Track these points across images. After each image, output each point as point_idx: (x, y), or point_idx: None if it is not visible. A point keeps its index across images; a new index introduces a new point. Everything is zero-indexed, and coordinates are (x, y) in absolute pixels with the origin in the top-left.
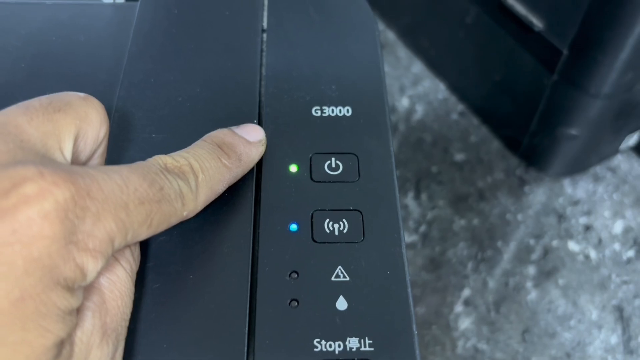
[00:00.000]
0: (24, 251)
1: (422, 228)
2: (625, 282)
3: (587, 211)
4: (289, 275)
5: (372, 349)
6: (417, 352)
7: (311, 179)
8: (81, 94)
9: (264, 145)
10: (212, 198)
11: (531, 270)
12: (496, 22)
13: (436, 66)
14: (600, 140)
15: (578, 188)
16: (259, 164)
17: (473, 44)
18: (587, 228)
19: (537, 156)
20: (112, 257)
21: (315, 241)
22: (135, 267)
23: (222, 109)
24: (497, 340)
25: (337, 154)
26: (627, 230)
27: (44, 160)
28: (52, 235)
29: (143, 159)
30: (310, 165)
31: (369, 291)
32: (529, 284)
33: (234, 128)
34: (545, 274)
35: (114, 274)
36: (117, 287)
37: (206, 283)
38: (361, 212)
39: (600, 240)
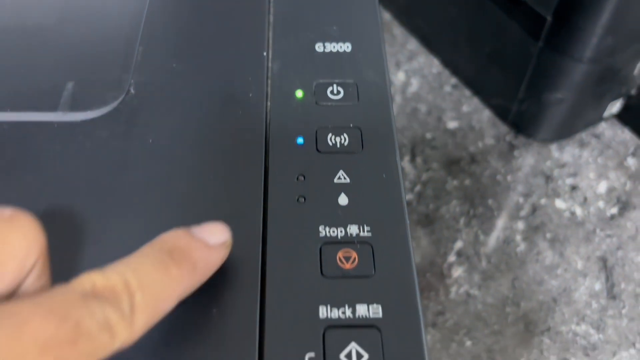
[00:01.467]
0: None
1: (417, 188)
2: (609, 236)
3: (573, 173)
4: (297, 178)
5: (369, 234)
6: (409, 235)
7: (315, 102)
8: (6, 213)
9: (229, 248)
10: (156, 320)
11: (520, 225)
12: None
13: (430, 43)
14: (584, 105)
15: (565, 152)
16: (268, 90)
17: (465, 19)
18: (573, 188)
19: (526, 122)
20: None
21: (319, 151)
22: None
23: (235, 43)
24: (488, 287)
25: (338, 82)
26: (610, 190)
27: None
28: None
29: (167, 86)
30: (315, 91)
31: (367, 190)
32: (518, 237)
33: (193, 228)
34: (534, 229)
35: None
36: None
37: (222, 184)
38: (360, 129)
39: (585, 199)
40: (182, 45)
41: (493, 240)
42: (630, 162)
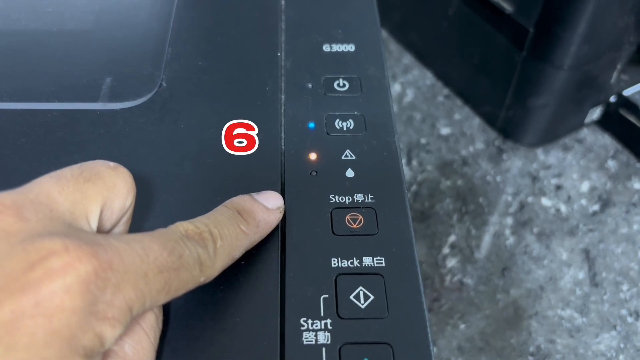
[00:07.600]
0: (45, 323)
1: (414, 187)
2: (591, 230)
3: (557, 174)
4: (309, 156)
5: (373, 200)
6: (407, 201)
7: (324, 94)
8: (111, 164)
9: (282, 212)
10: (229, 263)
11: (509, 220)
12: (473, 10)
13: (424, 57)
14: (566, 111)
15: (550, 156)
16: (282, 85)
17: (455, 33)
18: (558, 187)
19: (513, 128)
20: (139, 326)
21: (328, 134)
22: (159, 333)
23: (252, 45)
24: (480, 276)
25: (344, 77)
26: (592, 189)
27: (70, 231)
28: (72, 308)
29: (194, 81)
30: (323, 84)
31: (370, 165)
32: (507, 232)
33: (254, 194)
34: (522, 224)
35: (139, 344)
36: (140, 356)
37: (244, 162)
38: (364, 116)
39: (569, 197)
40: (207, 47)
41: (484, 234)
42: (610, 164)
